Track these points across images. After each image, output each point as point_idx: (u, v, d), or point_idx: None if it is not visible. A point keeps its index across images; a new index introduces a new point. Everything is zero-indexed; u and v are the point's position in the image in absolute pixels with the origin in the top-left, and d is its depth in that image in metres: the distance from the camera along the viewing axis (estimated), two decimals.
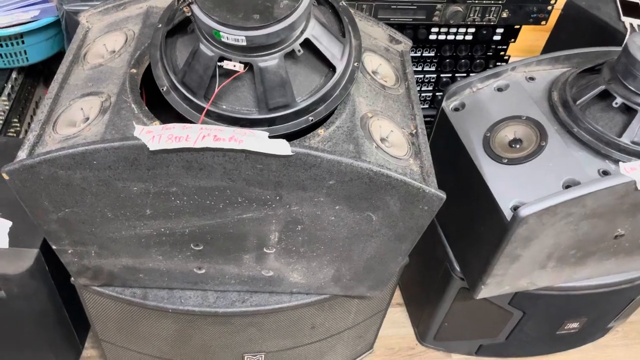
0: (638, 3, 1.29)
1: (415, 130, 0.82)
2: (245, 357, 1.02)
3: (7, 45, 1.26)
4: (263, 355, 1.03)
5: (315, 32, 0.72)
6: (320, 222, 0.76)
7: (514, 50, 1.37)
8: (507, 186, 0.88)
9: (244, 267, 0.85)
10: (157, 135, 0.64)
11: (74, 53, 0.83)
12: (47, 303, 1.00)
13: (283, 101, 0.71)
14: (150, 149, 0.64)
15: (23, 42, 1.27)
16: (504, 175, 0.90)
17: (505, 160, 0.91)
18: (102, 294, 0.89)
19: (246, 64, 0.69)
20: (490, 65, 1.38)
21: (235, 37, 0.65)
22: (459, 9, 1.21)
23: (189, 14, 0.70)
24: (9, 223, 0.94)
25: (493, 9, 1.23)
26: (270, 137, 0.65)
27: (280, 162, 0.67)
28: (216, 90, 0.70)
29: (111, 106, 0.73)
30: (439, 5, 1.20)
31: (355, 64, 0.76)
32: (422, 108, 0.85)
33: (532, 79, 1.02)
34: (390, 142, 0.77)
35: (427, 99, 1.43)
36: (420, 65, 1.36)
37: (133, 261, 0.83)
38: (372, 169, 0.68)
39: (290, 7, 0.66)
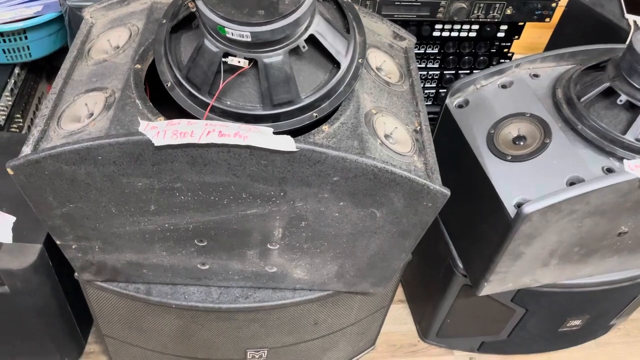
0: None
1: (419, 127, 0.82)
2: (248, 353, 1.03)
3: (10, 41, 1.26)
4: (266, 351, 1.03)
5: (320, 28, 0.72)
6: (324, 219, 0.76)
7: (516, 46, 1.37)
8: (510, 183, 0.88)
9: (248, 263, 0.85)
10: (162, 131, 0.64)
11: (78, 48, 0.83)
12: (51, 298, 1.00)
13: (287, 97, 0.71)
14: (155, 144, 0.64)
15: (26, 38, 1.27)
16: (507, 172, 0.90)
17: (509, 158, 0.91)
18: (106, 289, 0.89)
19: (251, 60, 0.69)
20: (494, 62, 1.38)
21: (240, 32, 0.65)
22: (463, 5, 1.21)
23: (194, 9, 0.70)
24: (13, 218, 0.94)
25: (497, 6, 1.23)
26: (274, 133, 0.65)
27: (284, 158, 0.67)
28: (221, 86, 0.70)
29: (115, 102, 0.73)
30: (443, 2, 1.20)
31: (360, 61, 0.76)
32: (426, 105, 0.85)
33: (536, 76, 1.02)
34: (395, 138, 0.77)
35: (431, 95, 1.43)
36: (424, 61, 1.36)
37: (137, 257, 0.83)
38: (377, 165, 0.68)
39: (295, 3, 0.66)
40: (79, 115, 0.74)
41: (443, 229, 1.11)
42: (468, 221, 1.01)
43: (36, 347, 1.09)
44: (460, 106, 1.01)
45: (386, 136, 0.76)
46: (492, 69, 1.02)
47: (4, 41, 1.26)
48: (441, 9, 1.21)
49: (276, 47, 0.69)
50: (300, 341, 1.03)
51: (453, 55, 1.35)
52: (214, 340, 0.98)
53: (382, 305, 1.07)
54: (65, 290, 1.02)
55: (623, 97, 0.88)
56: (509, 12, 1.25)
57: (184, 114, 0.73)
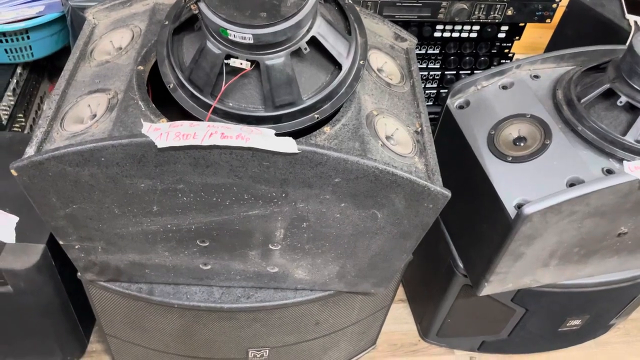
0: None
1: (420, 128, 0.82)
2: (250, 352, 1.03)
3: (12, 41, 1.26)
4: (267, 351, 1.03)
5: (322, 30, 0.72)
6: (325, 220, 0.77)
7: (517, 46, 1.37)
8: (511, 184, 0.89)
9: (250, 264, 0.86)
10: (164, 133, 0.64)
11: (80, 49, 0.84)
12: (54, 298, 1.01)
13: (289, 99, 0.72)
14: (158, 146, 0.64)
15: (28, 38, 1.27)
16: (508, 173, 0.90)
17: (510, 158, 0.91)
18: (109, 289, 0.90)
19: (253, 62, 0.69)
20: (495, 63, 1.38)
21: (242, 35, 0.66)
22: (464, 6, 1.21)
23: (196, 11, 0.70)
24: (16, 218, 0.94)
25: (498, 6, 1.23)
26: (276, 134, 0.66)
27: (286, 160, 0.67)
28: (223, 88, 0.70)
29: (118, 103, 0.74)
30: (444, 3, 1.20)
31: (361, 62, 0.76)
32: (427, 105, 0.86)
33: (536, 77, 1.02)
34: (396, 139, 0.78)
35: (432, 96, 1.43)
36: (425, 62, 1.36)
37: (139, 257, 0.84)
38: (378, 167, 0.69)
39: (297, 5, 0.66)
40: (82, 116, 0.74)
41: (444, 229, 1.11)
42: (468, 222, 1.01)
43: (39, 346, 1.10)
44: (461, 107, 1.02)
45: (387, 137, 0.77)
46: (493, 70, 1.02)
47: (7, 41, 1.26)
48: (442, 9, 1.21)
49: (278, 49, 0.69)
50: (301, 341, 1.03)
51: (454, 55, 1.36)
52: (216, 339, 0.99)
53: (383, 305, 1.07)
54: (68, 290, 1.03)
55: (623, 99, 0.88)
56: (509, 13, 1.25)
57: (186, 115, 0.73)
